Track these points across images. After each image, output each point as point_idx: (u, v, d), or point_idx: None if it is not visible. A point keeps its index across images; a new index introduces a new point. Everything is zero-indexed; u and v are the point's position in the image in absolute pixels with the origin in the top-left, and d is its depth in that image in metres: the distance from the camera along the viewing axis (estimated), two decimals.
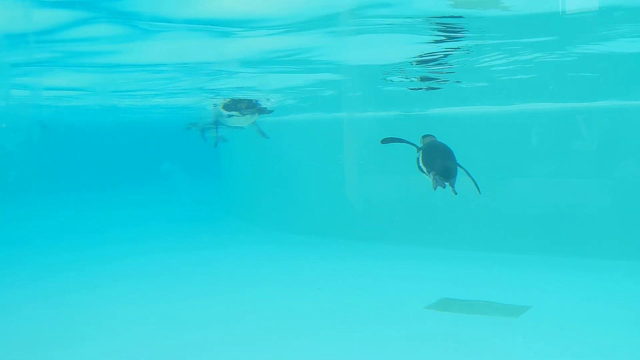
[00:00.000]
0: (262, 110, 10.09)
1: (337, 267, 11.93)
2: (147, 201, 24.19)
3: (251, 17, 6.79)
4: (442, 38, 7.85)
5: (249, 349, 7.34)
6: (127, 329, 8.13)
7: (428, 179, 6.86)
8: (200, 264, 12.36)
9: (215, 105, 11.26)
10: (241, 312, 8.84)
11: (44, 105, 17.21)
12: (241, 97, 11.93)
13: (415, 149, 7.18)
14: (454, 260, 12.32)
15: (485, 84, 11.91)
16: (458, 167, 6.81)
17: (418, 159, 7.03)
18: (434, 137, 7.22)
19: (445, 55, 8.92)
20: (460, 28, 7.38)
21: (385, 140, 7.52)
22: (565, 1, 6.45)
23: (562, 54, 9.10)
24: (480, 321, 8.30)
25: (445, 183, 6.75)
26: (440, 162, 6.80)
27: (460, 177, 6.75)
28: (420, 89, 12.36)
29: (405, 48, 8.46)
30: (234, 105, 10.25)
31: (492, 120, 13.63)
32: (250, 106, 10.02)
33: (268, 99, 12.43)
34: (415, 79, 11.18)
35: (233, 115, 10.10)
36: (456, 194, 6.78)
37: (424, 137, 7.26)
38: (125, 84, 12.71)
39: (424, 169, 6.87)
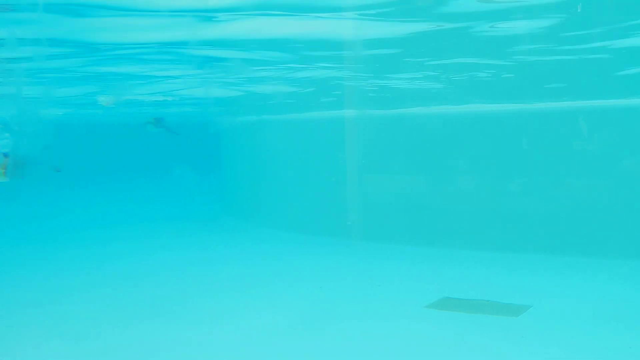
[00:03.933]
0: None
1: (338, 266, 11.95)
2: (145, 199, 24.20)
3: None
4: None
5: (249, 348, 7.36)
6: (129, 328, 8.14)
7: None
8: (200, 263, 12.35)
9: None
10: (241, 311, 8.85)
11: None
12: None
13: None
14: (454, 260, 12.34)
15: None
16: None
17: None
18: None
19: None
20: None
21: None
22: None
23: None
24: (481, 320, 8.32)
25: None
26: None
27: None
28: None
29: None
30: None
31: (492, 120, 13.64)
32: None
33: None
34: None
35: None
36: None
37: None
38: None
39: None
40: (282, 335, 7.76)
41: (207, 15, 7.35)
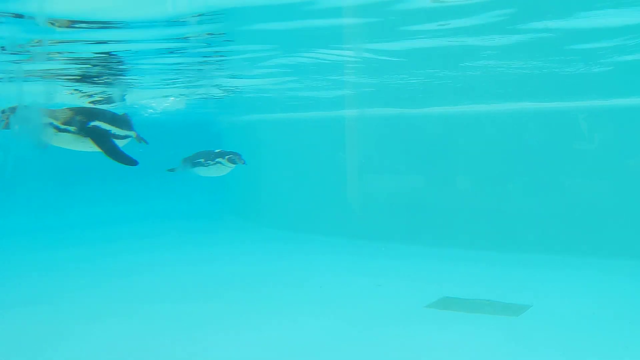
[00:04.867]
0: None
1: (339, 266, 11.98)
2: (147, 197, 24.19)
3: None
4: None
5: (250, 347, 7.38)
6: (130, 327, 8.16)
7: None
8: (201, 262, 12.40)
9: None
10: (242, 311, 8.87)
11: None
12: None
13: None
14: (454, 259, 12.36)
15: None
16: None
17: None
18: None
19: None
20: None
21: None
22: None
23: None
24: (481, 320, 8.33)
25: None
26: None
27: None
28: None
29: None
30: None
31: (492, 119, 13.66)
32: None
33: None
34: None
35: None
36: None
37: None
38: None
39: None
40: (282, 335, 7.78)
41: None
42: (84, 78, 10.94)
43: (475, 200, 13.63)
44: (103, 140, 7.47)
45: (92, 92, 12.63)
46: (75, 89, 12.31)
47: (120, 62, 9.97)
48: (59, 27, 7.21)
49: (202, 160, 10.22)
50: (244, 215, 18.37)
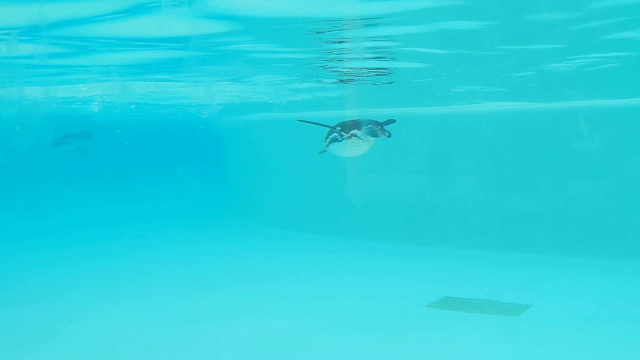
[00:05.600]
0: None
1: (339, 265, 11.98)
2: (147, 197, 24.26)
3: None
4: None
5: (249, 346, 7.38)
6: (130, 325, 8.16)
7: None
8: (200, 261, 12.41)
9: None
10: (242, 310, 8.87)
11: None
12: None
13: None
14: (454, 259, 12.37)
15: None
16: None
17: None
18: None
19: None
20: None
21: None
22: None
23: None
24: (481, 319, 8.33)
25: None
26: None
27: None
28: None
29: None
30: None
31: (493, 119, 13.65)
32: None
33: None
34: None
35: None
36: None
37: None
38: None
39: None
40: (281, 334, 7.78)
41: None
42: None
43: (476, 200, 13.63)
44: None
45: None
46: None
47: None
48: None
49: (336, 134, 8.33)
50: (244, 215, 18.37)
